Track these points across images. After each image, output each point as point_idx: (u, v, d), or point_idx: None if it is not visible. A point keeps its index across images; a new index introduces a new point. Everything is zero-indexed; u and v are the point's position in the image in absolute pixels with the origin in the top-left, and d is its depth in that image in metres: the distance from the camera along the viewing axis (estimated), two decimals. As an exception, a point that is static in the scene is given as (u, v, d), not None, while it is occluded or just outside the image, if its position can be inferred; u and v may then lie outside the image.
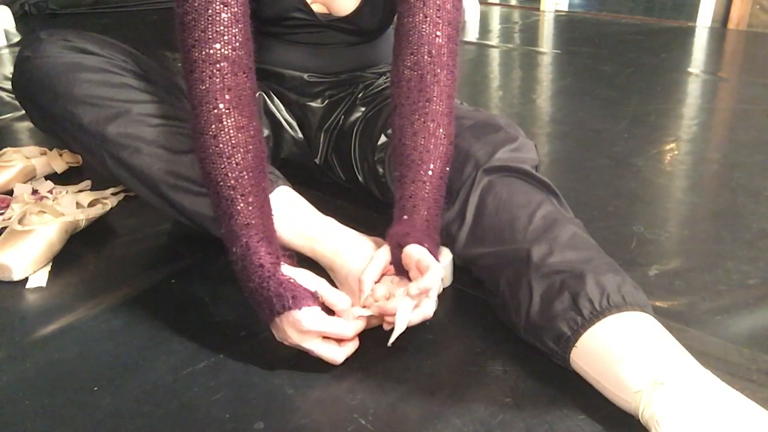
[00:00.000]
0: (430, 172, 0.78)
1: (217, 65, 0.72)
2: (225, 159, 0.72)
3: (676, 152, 1.36)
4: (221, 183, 0.72)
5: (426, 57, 0.79)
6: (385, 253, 0.76)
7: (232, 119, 0.72)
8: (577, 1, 3.43)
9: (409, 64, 0.81)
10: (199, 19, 0.71)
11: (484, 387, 0.69)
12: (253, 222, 0.72)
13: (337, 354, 0.71)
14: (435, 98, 0.80)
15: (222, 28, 0.71)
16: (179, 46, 0.74)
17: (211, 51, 0.71)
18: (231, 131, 0.72)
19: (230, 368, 0.73)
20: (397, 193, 0.79)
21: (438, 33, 0.79)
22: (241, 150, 0.72)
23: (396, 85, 0.82)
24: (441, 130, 0.79)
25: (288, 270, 0.71)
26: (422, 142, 0.78)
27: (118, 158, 0.84)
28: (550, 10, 3.14)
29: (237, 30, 0.73)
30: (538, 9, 3.17)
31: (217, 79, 0.72)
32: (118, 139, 0.83)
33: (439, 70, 0.80)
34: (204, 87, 0.72)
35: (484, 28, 2.83)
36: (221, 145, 0.72)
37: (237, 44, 0.73)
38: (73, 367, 0.74)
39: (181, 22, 0.72)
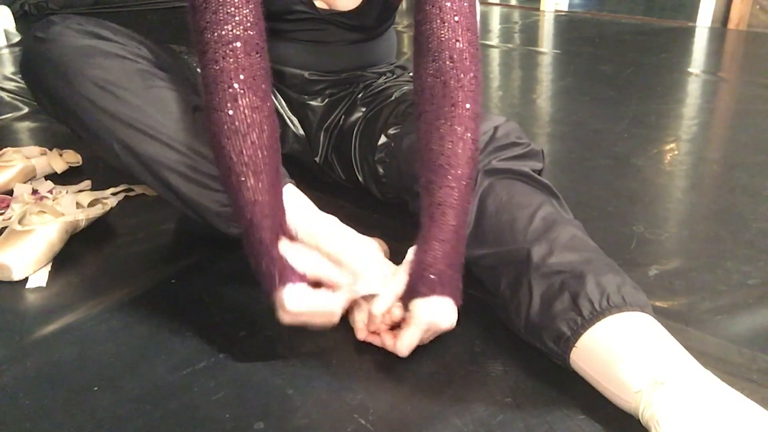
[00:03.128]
0: (459, 177, 0.75)
1: (230, 45, 0.72)
2: (240, 136, 0.72)
3: (676, 152, 1.36)
4: (234, 159, 0.72)
5: (448, 63, 0.77)
6: (400, 283, 0.74)
7: (247, 99, 0.72)
8: (577, 1, 3.44)
9: (431, 71, 0.78)
10: (210, 1, 0.71)
11: (484, 387, 0.69)
12: (260, 199, 0.72)
13: (331, 318, 0.72)
14: (460, 102, 0.77)
15: (233, 9, 0.72)
16: (191, 29, 0.73)
17: (223, 32, 0.72)
18: (246, 110, 0.72)
19: (230, 368, 0.73)
20: (426, 199, 0.75)
21: (458, 38, 0.77)
22: (257, 129, 0.72)
23: (419, 93, 0.80)
24: (468, 135, 0.76)
25: (284, 247, 0.71)
26: (450, 146, 0.75)
27: (128, 145, 0.82)
28: (550, 10, 3.14)
29: (248, 11, 0.73)
30: (538, 9, 3.18)
31: (231, 59, 0.72)
32: (132, 124, 0.82)
33: (462, 75, 0.77)
34: (218, 67, 0.72)
35: (484, 28, 2.83)
36: (237, 123, 0.72)
37: (248, 24, 0.73)
38: (73, 367, 0.74)
39: (192, 5, 0.73)
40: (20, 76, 0.89)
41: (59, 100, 0.85)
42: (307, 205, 0.85)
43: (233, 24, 0.71)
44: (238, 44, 0.72)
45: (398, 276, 0.74)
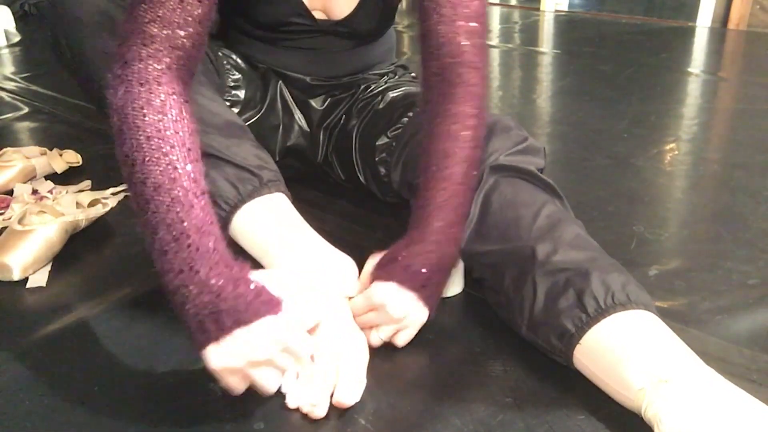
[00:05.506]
0: (450, 177, 0.73)
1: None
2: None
3: (676, 152, 1.36)
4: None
5: (447, 59, 0.75)
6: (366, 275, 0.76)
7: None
8: (577, 1, 3.43)
9: (434, 70, 0.76)
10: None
11: (484, 387, 0.69)
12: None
13: (274, 383, 0.65)
14: (460, 99, 0.75)
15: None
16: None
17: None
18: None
19: (230, 368, 0.73)
20: (415, 202, 0.75)
21: (456, 31, 0.74)
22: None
23: (423, 94, 0.79)
24: (465, 132, 0.74)
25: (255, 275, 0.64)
26: (442, 146, 0.74)
27: None
28: (550, 10, 3.14)
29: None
30: (538, 9, 3.18)
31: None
32: None
33: (463, 70, 0.75)
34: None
35: (484, 28, 2.83)
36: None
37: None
38: (73, 367, 0.74)
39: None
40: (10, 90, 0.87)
41: (78, 53, 0.85)
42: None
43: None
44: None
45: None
